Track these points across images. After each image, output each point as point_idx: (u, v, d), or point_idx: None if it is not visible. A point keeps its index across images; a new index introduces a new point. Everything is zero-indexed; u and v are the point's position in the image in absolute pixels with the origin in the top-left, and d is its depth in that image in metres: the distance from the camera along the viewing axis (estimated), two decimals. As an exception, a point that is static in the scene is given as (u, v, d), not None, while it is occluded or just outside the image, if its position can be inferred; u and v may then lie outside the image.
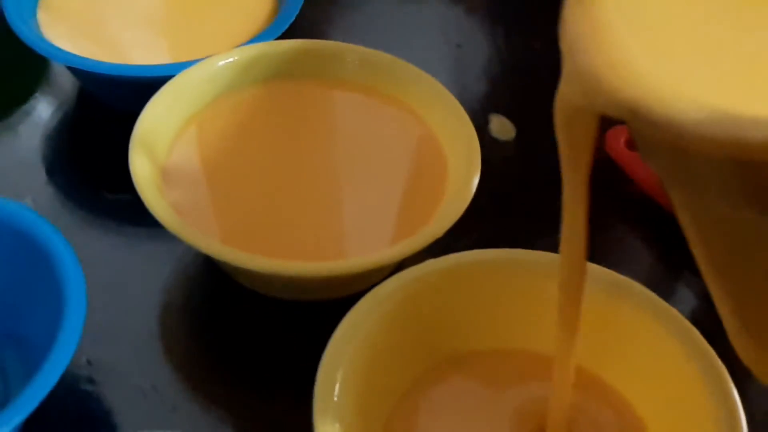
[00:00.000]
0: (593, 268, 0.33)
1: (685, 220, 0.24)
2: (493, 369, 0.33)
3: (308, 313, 0.37)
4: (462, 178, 0.37)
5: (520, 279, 0.33)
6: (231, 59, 0.40)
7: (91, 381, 0.35)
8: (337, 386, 0.29)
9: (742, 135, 0.18)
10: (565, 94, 0.23)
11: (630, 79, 0.20)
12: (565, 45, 0.22)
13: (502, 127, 0.46)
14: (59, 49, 0.42)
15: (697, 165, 0.21)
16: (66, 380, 0.34)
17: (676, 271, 0.40)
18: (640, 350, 0.32)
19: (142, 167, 0.35)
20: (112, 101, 0.44)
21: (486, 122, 0.46)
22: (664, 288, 0.39)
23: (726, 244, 0.24)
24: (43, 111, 0.46)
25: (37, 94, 0.47)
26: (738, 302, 0.26)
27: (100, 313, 0.36)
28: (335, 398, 0.29)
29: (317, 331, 0.31)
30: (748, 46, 0.22)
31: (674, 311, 0.32)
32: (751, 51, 0.22)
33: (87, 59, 0.41)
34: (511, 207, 0.42)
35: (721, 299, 0.27)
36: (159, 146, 0.37)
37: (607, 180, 0.43)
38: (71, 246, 0.33)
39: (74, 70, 0.44)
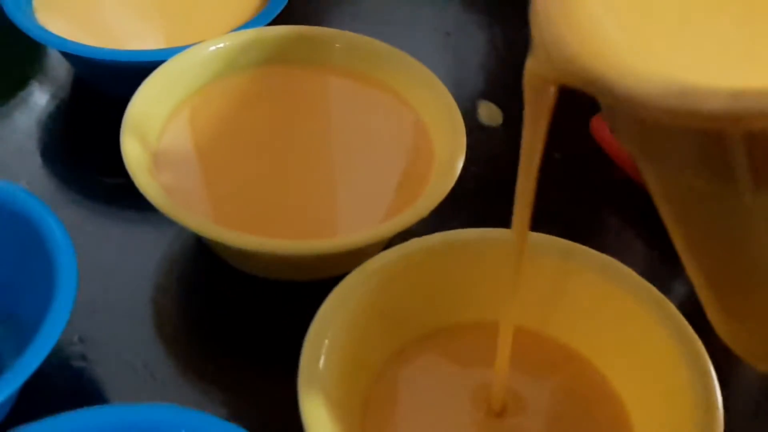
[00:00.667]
0: (553, 239, 0.34)
1: (655, 193, 0.25)
2: (474, 341, 0.33)
3: (296, 293, 0.37)
4: (447, 160, 0.37)
5: (501, 255, 0.33)
6: (222, 45, 0.41)
7: (83, 358, 0.36)
8: (321, 358, 0.30)
9: (698, 105, 0.19)
10: (533, 67, 0.24)
11: (593, 52, 0.21)
12: (533, 18, 0.23)
13: (490, 113, 0.46)
14: (54, 35, 0.42)
15: (660, 137, 0.22)
16: (58, 357, 0.35)
17: (659, 250, 0.40)
18: (612, 322, 0.32)
19: (133, 149, 0.36)
20: (106, 87, 0.45)
21: (474, 109, 0.46)
22: (647, 267, 0.39)
23: (694, 217, 0.24)
24: (38, 98, 0.47)
25: (33, 82, 0.48)
26: (710, 277, 0.27)
27: (92, 293, 0.37)
28: (320, 368, 0.29)
29: (304, 310, 0.32)
30: (713, 22, 0.22)
31: (646, 283, 0.33)
32: (716, 27, 0.22)
33: (80, 45, 0.41)
34: (497, 190, 0.42)
35: (695, 274, 0.28)
36: (150, 130, 0.38)
37: (594, 165, 0.44)
38: (64, 226, 0.34)
39: (68, 56, 0.44)
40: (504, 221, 0.35)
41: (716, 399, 0.30)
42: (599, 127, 0.44)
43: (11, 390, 0.30)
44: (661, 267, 0.40)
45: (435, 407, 0.32)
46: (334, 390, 0.29)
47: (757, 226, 0.22)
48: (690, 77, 0.19)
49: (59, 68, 0.48)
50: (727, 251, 0.24)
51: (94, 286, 0.37)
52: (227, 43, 0.41)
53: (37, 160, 0.43)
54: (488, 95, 0.47)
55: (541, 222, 0.30)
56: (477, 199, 0.42)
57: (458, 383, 0.32)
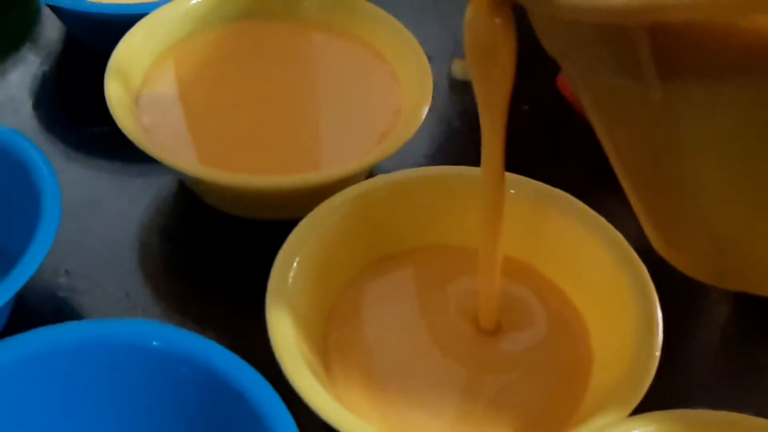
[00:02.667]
0: (523, 179, 0.36)
1: (585, 106, 0.27)
2: (435, 262, 0.36)
3: (271, 232, 0.39)
4: (414, 108, 0.40)
5: (460, 188, 0.36)
6: (202, -2, 0.43)
7: (70, 289, 0.38)
8: (291, 273, 0.32)
9: (600, 1, 0.21)
10: (469, 14, 0.26)
11: None
12: None
13: (463, 69, 0.48)
14: (45, -10, 0.45)
15: (579, 39, 0.24)
16: (46, 288, 0.38)
17: (616, 193, 0.42)
18: (567, 245, 0.35)
19: (116, 92, 0.38)
20: (94, 42, 0.47)
21: (449, 65, 0.49)
22: (605, 207, 0.41)
23: (618, 125, 0.26)
24: (33, 56, 0.49)
25: (28, 42, 0.50)
26: (641, 195, 0.29)
27: (79, 231, 0.39)
28: (288, 284, 0.32)
29: (278, 247, 0.34)
30: None
31: (599, 217, 0.35)
32: None
33: (69, -1, 0.44)
34: (467, 138, 0.45)
35: (632, 197, 0.30)
36: (133, 76, 0.40)
37: (560, 116, 0.46)
38: (50, 164, 0.36)
39: (57, 10, 0.46)
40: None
41: (656, 315, 0.32)
42: (564, 81, 0.46)
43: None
44: (617, 206, 0.42)
45: (396, 318, 0.35)
46: (301, 303, 0.32)
47: (669, 126, 0.24)
48: None
49: (52, 29, 0.50)
50: (649, 159, 0.26)
51: (81, 225, 0.39)
52: (207, -3, 0.44)
53: (28, 110, 0.45)
54: (461, 52, 0.49)
55: (510, 167, 0.33)
56: (447, 146, 0.44)
57: (424, 298, 0.35)
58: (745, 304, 0.39)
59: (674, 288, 0.35)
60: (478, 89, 0.29)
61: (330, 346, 0.33)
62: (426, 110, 0.39)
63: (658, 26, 0.21)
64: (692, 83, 0.22)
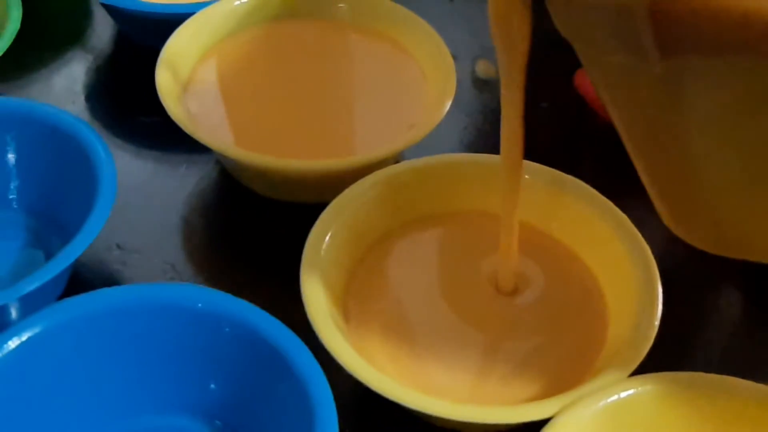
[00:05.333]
0: (540, 167, 0.39)
1: (596, 84, 0.30)
2: (457, 227, 0.39)
3: (305, 214, 0.42)
4: (438, 101, 0.43)
5: (478, 171, 0.39)
6: (245, -1, 0.47)
7: (121, 261, 0.41)
8: (323, 246, 0.36)
9: None
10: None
11: None
12: None
13: (486, 69, 0.51)
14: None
15: (587, 20, 0.27)
16: (99, 261, 0.41)
17: (629, 185, 0.45)
18: (580, 221, 0.38)
19: (166, 83, 0.42)
20: (144, 39, 0.50)
21: (473, 65, 0.52)
22: (617, 197, 0.44)
23: (625, 98, 0.29)
24: (87, 52, 0.52)
25: (82, 38, 0.54)
26: (653, 178, 0.32)
27: (130, 209, 0.42)
28: (321, 254, 0.35)
29: (309, 227, 0.37)
30: None
31: (606, 200, 0.38)
32: None
33: (122, -2, 0.47)
34: (488, 130, 0.48)
35: (645, 180, 0.32)
36: (182, 68, 0.44)
37: (577, 114, 0.49)
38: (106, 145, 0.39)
39: (110, 9, 0.50)
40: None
41: (656, 286, 0.35)
42: (581, 80, 0.49)
43: (54, 273, 0.35)
44: (629, 199, 0.45)
45: (416, 277, 0.38)
46: (332, 273, 0.35)
47: (672, 102, 0.27)
48: None
49: (104, 27, 0.54)
50: (656, 137, 0.29)
51: (131, 204, 0.43)
52: (250, -1, 0.47)
53: (84, 102, 0.49)
54: (485, 54, 0.52)
55: (529, 160, 0.36)
56: (469, 139, 0.47)
57: (445, 259, 0.39)
58: (753, 286, 0.42)
59: (685, 273, 0.39)
60: (498, 44, 0.32)
61: (350, 304, 0.36)
62: (449, 103, 0.42)
63: (659, 7, 0.24)
64: (691, 61, 0.25)
